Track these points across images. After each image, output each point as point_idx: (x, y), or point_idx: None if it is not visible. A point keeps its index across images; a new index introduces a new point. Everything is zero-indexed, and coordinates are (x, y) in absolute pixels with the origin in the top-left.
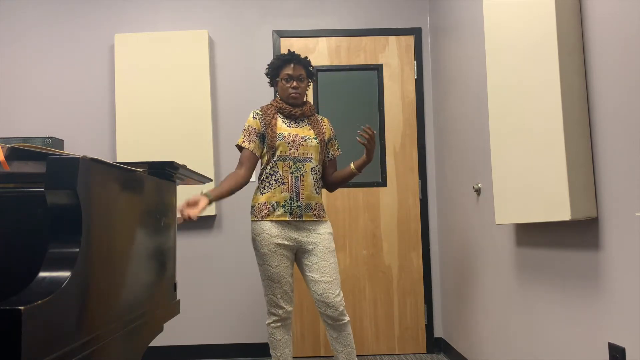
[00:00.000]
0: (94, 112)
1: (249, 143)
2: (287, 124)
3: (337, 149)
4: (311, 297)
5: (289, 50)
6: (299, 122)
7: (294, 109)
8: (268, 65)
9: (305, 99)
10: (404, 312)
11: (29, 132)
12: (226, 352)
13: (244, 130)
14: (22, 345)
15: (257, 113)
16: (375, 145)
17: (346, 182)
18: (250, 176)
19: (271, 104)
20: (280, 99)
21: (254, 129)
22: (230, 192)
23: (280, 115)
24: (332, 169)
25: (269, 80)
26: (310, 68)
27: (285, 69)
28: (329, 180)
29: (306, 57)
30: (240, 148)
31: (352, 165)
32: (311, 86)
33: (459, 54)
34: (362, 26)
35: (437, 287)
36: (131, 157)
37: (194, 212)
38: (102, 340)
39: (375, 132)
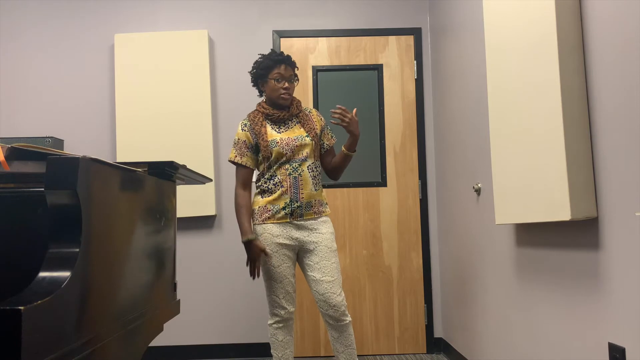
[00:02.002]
0: (94, 112)
1: (241, 157)
2: (277, 129)
3: (331, 137)
4: (312, 296)
5: (272, 50)
6: (287, 124)
7: (281, 113)
8: (255, 64)
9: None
10: (404, 312)
11: (29, 132)
12: (226, 352)
13: (235, 143)
14: (22, 345)
15: (245, 124)
16: (352, 119)
17: (345, 165)
18: (250, 189)
19: (258, 111)
20: (266, 102)
21: (244, 141)
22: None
23: (269, 121)
24: (330, 157)
25: (252, 80)
26: (296, 69)
27: (277, 69)
28: (329, 168)
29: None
30: (233, 163)
31: (343, 149)
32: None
33: (459, 54)
34: (362, 26)
35: (437, 287)
36: (131, 157)
37: (260, 252)
38: (102, 340)
39: (345, 108)
